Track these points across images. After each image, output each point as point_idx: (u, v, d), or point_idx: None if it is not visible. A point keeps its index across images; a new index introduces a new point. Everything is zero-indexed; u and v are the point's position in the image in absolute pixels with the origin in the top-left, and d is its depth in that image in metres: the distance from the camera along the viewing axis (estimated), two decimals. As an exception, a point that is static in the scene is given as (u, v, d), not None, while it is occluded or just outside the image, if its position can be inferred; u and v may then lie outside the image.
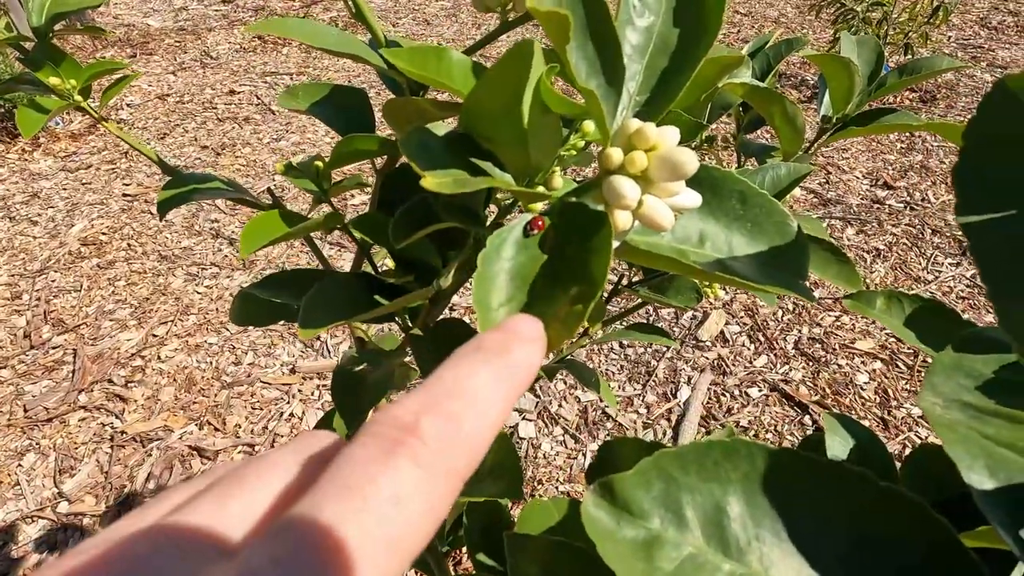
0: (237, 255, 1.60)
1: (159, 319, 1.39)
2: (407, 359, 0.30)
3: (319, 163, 0.27)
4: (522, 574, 0.21)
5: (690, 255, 0.19)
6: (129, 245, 1.64)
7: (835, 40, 2.33)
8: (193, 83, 2.72)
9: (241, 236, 0.26)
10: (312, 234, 0.32)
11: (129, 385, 1.23)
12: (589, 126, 0.19)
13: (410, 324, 0.28)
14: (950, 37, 3.01)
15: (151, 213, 1.79)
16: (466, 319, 1.30)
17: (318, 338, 1.33)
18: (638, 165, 0.15)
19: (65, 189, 1.95)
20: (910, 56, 2.29)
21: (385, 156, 0.29)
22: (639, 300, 0.39)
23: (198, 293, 1.47)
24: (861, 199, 1.80)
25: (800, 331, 1.33)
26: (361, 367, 0.30)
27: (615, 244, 0.16)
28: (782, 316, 1.37)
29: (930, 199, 1.80)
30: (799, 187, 1.76)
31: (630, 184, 0.15)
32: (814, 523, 0.12)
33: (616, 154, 0.15)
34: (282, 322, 0.38)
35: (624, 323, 0.40)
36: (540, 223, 0.16)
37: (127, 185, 1.96)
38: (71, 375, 1.26)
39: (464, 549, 0.71)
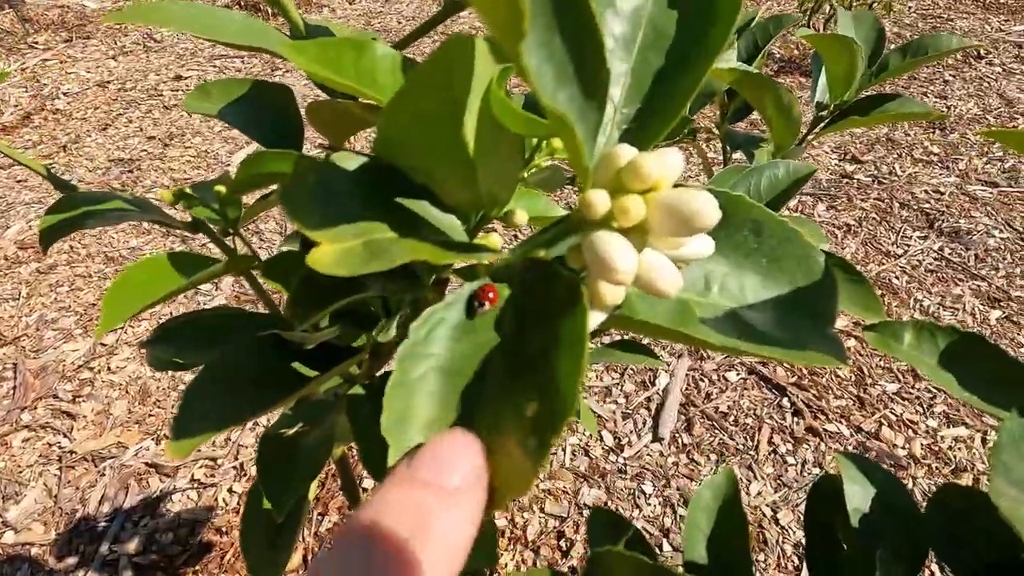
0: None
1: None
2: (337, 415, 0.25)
3: (220, 188, 0.22)
4: None
5: (694, 307, 0.15)
6: (71, 247, 1.53)
7: (803, 11, 2.31)
8: (136, 68, 2.55)
9: (104, 301, 0.20)
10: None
11: (77, 400, 1.15)
12: (558, 142, 0.15)
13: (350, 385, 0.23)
14: (911, 7, 3.03)
15: (94, 211, 1.67)
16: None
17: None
18: (632, 216, 0.10)
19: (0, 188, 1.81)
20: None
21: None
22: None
23: (149, 296, 1.38)
24: (831, 174, 1.80)
25: (775, 311, 1.32)
26: (296, 427, 0.25)
27: (595, 323, 0.11)
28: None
29: (897, 172, 1.81)
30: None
31: (622, 246, 0.10)
32: None
33: (599, 199, 0.11)
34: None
35: (602, 342, 0.36)
36: (492, 295, 0.11)
37: (68, 181, 1.83)
38: (11, 392, 1.17)
39: None
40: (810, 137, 0.35)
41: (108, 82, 2.47)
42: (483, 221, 0.14)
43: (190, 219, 0.32)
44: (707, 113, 1.32)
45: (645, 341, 0.44)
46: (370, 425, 0.21)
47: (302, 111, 0.27)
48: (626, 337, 0.45)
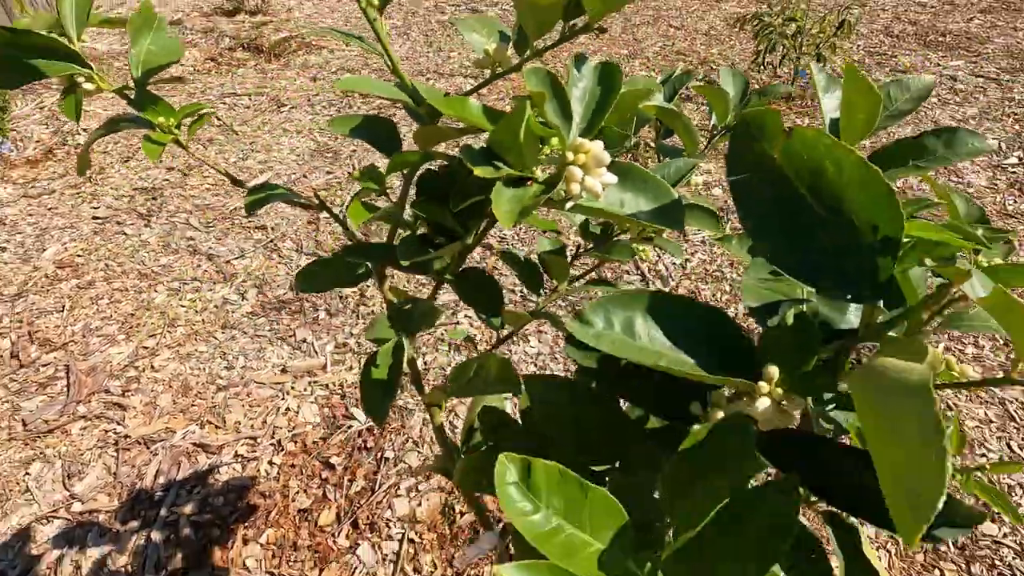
0: (216, 269, 1.67)
1: (147, 332, 1.46)
2: (435, 302, 0.43)
3: (381, 171, 0.40)
4: (531, 413, 0.34)
5: (619, 211, 0.34)
6: (107, 265, 1.69)
7: (757, 52, 2.58)
8: (150, 106, 2.74)
9: (350, 211, 0.38)
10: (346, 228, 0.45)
11: (126, 394, 1.30)
12: (555, 142, 0.33)
13: (444, 275, 0.41)
14: (859, 45, 3.34)
15: (124, 234, 1.84)
16: (479, 266, 1.42)
17: (304, 340, 1.43)
18: (580, 160, 0.29)
19: (31, 215, 1.97)
20: (823, 64, 2.56)
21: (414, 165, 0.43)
22: (595, 263, 0.54)
23: (182, 307, 1.54)
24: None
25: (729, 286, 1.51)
26: (407, 306, 0.42)
27: (569, 204, 0.30)
28: (719, 296, 1.56)
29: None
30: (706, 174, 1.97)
31: (577, 169, 0.29)
32: (672, 326, 0.27)
33: (570, 155, 0.29)
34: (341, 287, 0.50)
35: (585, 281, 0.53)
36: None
37: (96, 208, 2.00)
38: (66, 389, 1.31)
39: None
40: (708, 146, 0.54)
41: (124, 119, 2.65)
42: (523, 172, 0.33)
43: (316, 201, 0.50)
44: (647, 134, 1.58)
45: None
46: (463, 290, 0.39)
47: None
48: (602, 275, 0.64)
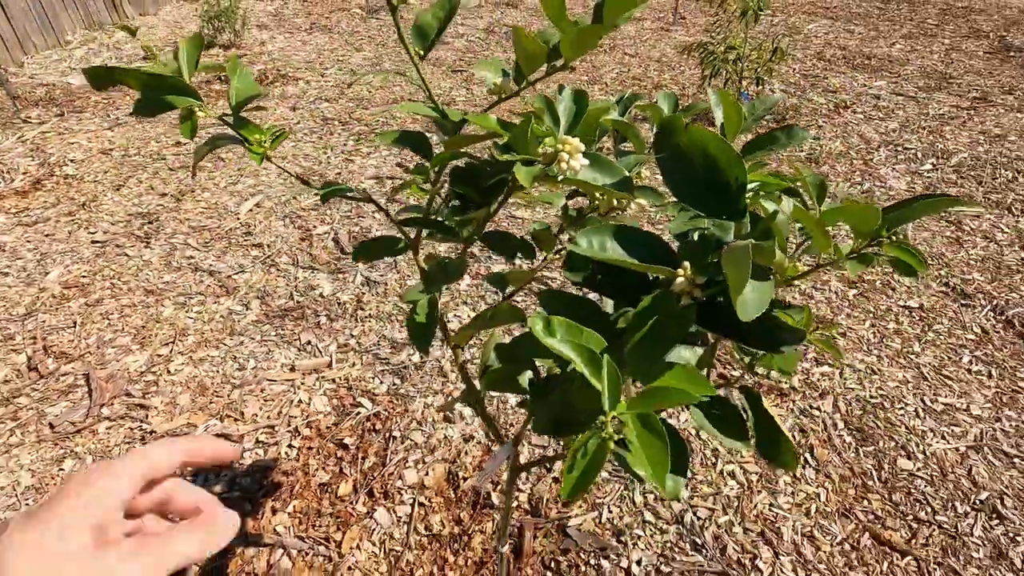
0: (219, 284, 1.80)
1: (160, 342, 1.57)
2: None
3: (427, 165, 0.57)
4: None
5: (591, 183, 0.52)
6: (113, 284, 1.80)
7: (704, 77, 2.86)
8: (135, 137, 2.85)
9: (413, 189, 0.55)
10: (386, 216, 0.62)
11: (147, 396, 1.41)
12: (548, 141, 0.51)
13: (471, 239, 0.58)
14: (795, 69, 3.69)
15: (127, 255, 1.94)
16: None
17: (309, 342, 1.57)
18: (566, 148, 0.47)
19: (29, 242, 2.05)
20: (761, 87, 2.85)
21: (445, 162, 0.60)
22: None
23: (190, 318, 1.66)
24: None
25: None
26: (444, 263, 0.59)
27: (560, 178, 0.48)
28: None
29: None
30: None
31: (565, 154, 0.47)
32: (626, 243, 0.44)
33: (560, 146, 0.47)
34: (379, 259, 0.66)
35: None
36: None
37: (93, 233, 2.09)
38: (87, 395, 1.42)
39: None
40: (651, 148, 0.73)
41: (111, 150, 2.75)
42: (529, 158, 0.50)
43: (365, 197, 0.67)
44: (606, 142, 1.83)
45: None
46: (490, 244, 0.56)
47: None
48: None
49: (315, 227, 2.08)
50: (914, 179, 2.47)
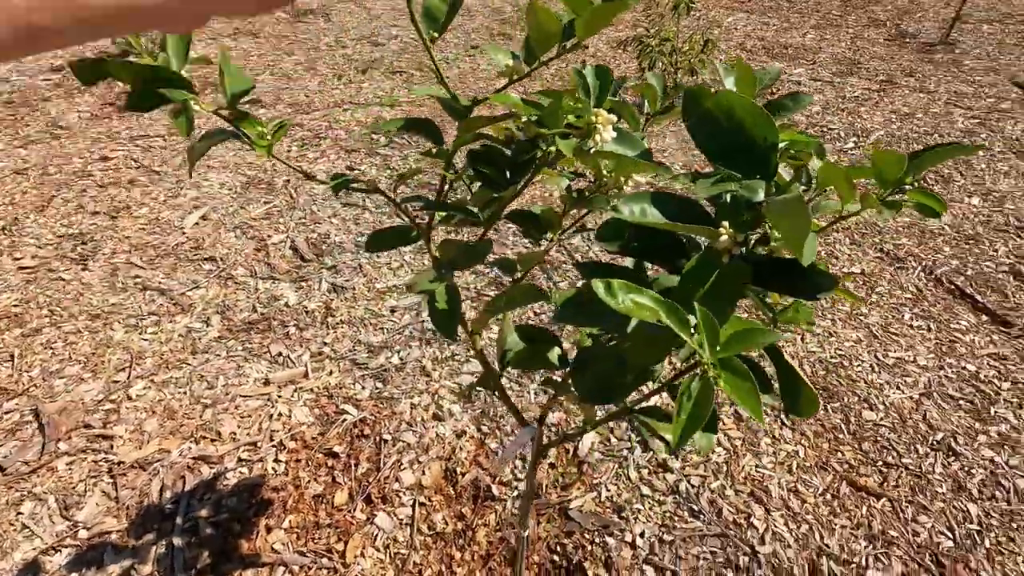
0: (172, 302, 1.69)
1: (115, 368, 1.47)
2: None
3: (446, 149, 0.57)
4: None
5: (618, 152, 0.53)
6: (51, 311, 1.66)
7: (641, 69, 2.96)
8: (52, 154, 2.64)
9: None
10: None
11: (108, 425, 1.31)
12: (572, 117, 0.52)
13: (492, 221, 0.59)
14: (722, 59, 3.88)
15: (62, 279, 1.80)
16: (517, 207, 1.56)
17: (280, 354, 1.51)
18: (600, 121, 0.48)
19: (-57, 273, 1.86)
20: (695, 76, 2.98)
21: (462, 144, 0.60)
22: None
23: (145, 340, 1.56)
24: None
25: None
26: (466, 246, 0.59)
27: (592, 150, 0.49)
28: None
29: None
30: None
31: (599, 126, 0.48)
32: (664, 207, 0.46)
33: (594, 118, 0.48)
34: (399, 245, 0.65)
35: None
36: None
37: (19, 259, 1.92)
38: (39, 431, 1.30)
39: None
40: (645, 126, 0.76)
41: (25, 169, 2.53)
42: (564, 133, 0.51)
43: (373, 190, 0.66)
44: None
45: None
46: (518, 222, 0.56)
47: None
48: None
49: (269, 236, 2.00)
50: (840, 156, 2.65)
